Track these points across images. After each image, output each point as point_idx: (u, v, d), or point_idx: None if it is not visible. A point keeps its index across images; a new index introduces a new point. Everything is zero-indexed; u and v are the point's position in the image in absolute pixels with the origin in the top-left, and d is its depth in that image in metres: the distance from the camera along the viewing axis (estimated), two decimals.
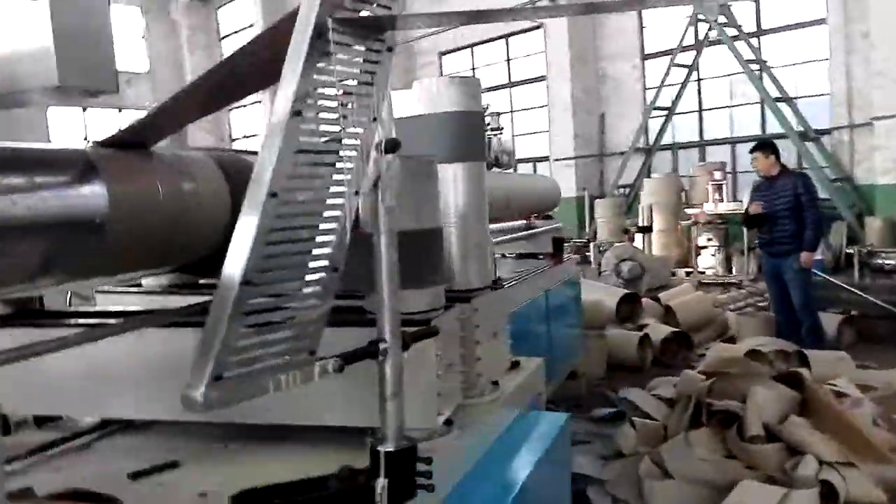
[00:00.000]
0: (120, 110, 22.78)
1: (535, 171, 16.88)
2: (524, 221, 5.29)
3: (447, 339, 1.98)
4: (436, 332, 1.78)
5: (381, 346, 1.52)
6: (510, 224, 5.25)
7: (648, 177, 13.03)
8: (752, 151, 6.44)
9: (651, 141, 14.55)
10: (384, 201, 1.54)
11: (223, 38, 25.32)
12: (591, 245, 9.52)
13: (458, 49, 17.92)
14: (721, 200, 10.71)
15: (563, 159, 15.23)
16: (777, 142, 7.03)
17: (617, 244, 9.56)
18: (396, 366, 1.53)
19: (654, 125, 14.48)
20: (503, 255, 5.48)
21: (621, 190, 14.20)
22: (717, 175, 10.87)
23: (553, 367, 4.80)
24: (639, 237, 10.45)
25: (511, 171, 5.17)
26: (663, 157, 14.98)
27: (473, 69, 17.74)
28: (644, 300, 7.29)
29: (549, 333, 4.72)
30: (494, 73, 17.32)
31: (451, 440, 1.88)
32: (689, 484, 3.71)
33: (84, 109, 22.69)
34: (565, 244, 9.90)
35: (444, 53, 18.28)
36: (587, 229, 13.01)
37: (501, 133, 5.13)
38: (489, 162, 4.80)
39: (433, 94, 2.47)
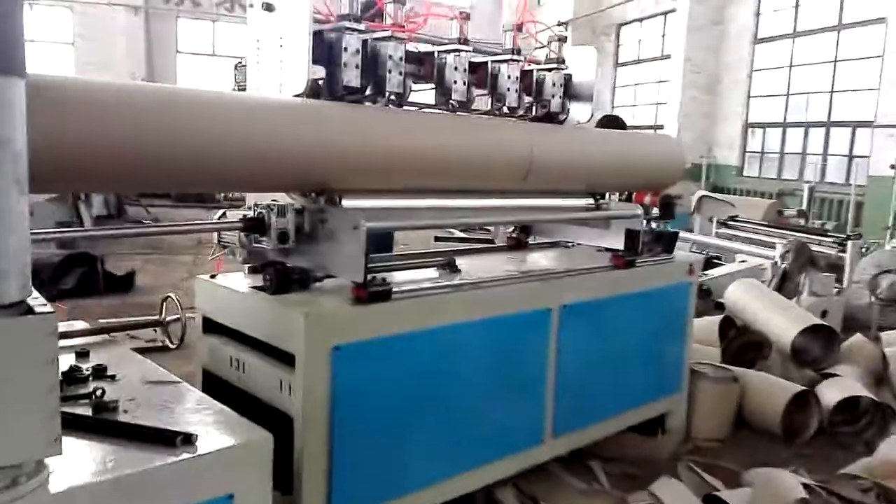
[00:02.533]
0: None
1: (852, 138, 13.37)
2: (589, 202, 3.64)
3: None
4: None
5: None
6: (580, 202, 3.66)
7: None
8: None
9: None
10: None
11: None
12: (849, 244, 6.91)
13: None
14: None
15: (890, 126, 11.67)
16: None
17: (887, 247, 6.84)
18: None
19: None
20: (575, 245, 3.94)
21: None
22: None
23: (572, 415, 3.29)
24: None
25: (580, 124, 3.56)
26: None
27: (797, 7, 14.43)
28: (856, 339, 4.96)
29: (565, 368, 3.19)
30: (822, 11, 13.87)
31: None
32: None
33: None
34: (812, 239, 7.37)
35: None
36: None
37: (564, 68, 3.51)
38: (533, 111, 3.33)
39: None
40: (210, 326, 2.75)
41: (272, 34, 2.64)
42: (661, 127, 17.66)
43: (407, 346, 2.56)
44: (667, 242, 4.14)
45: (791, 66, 14.59)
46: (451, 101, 3.02)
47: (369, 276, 2.51)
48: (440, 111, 3.04)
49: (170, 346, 2.88)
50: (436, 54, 3.03)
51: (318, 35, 2.66)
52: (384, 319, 2.50)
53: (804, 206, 10.28)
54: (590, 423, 3.39)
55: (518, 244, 3.96)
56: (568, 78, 3.54)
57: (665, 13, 17.55)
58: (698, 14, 15.91)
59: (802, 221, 9.44)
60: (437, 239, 9.70)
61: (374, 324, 2.47)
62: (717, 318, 5.13)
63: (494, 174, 3.11)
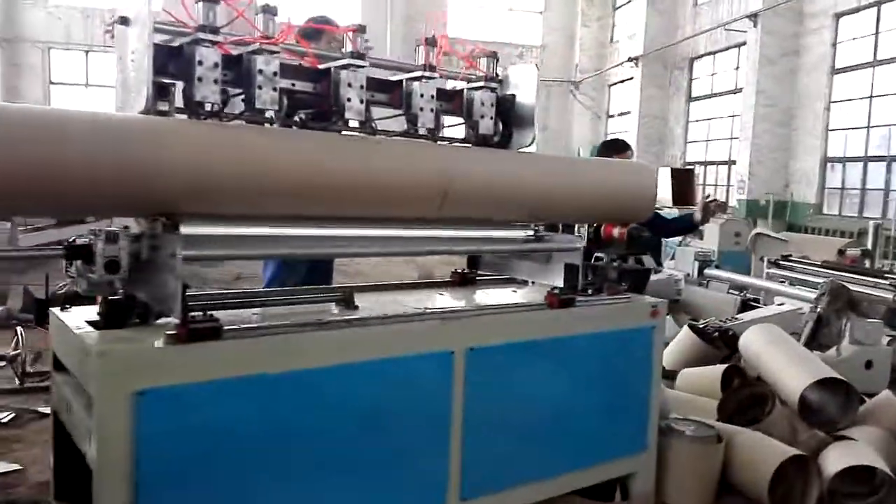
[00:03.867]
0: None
1: None
2: (529, 233, 3.23)
3: None
4: None
5: None
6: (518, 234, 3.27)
7: None
8: None
9: None
10: None
11: (618, 8, 24.12)
12: None
13: (861, 9, 13.79)
14: None
15: None
16: None
17: None
18: None
19: None
20: (526, 282, 3.54)
21: None
22: None
23: (488, 475, 2.86)
24: None
25: (520, 150, 3.19)
26: None
27: (877, 35, 13.47)
28: (882, 398, 4.26)
29: (475, 420, 2.79)
30: None
31: None
32: None
33: None
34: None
35: (840, 15, 14.28)
36: None
37: (495, 87, 3.16)
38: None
39: None
40: (58, 363, 2.53)
41: (128, 49, 2.44)
42: (734, 162, 16.82)
43: (244, 394, 2.24)
44: (636, 281, 3.69)
45: (871, 97, 13.56)
46: (346, 122, 2.76)
47: (200, 312, 2.23)
48: (341, 133, 2.77)
49: (17, 382, 2.66)
50: (332, 70, 2.77)
51: (177, 49, 2.46)
52: (212, 362, 2.19)
53: (869, 246, 9.31)
54: (512, 484, 2.94)
55: (463, 280, 3.59)
56: (508, 98, 3.21)
57: (738, 45, 16.80)
58: (770, 45, 15.13)
59: (868, 263, 8.52)
60: None
61: (196, 366, 2.16)
62: (723, 367, 4.56)
63: (398, 201, 2.77)
